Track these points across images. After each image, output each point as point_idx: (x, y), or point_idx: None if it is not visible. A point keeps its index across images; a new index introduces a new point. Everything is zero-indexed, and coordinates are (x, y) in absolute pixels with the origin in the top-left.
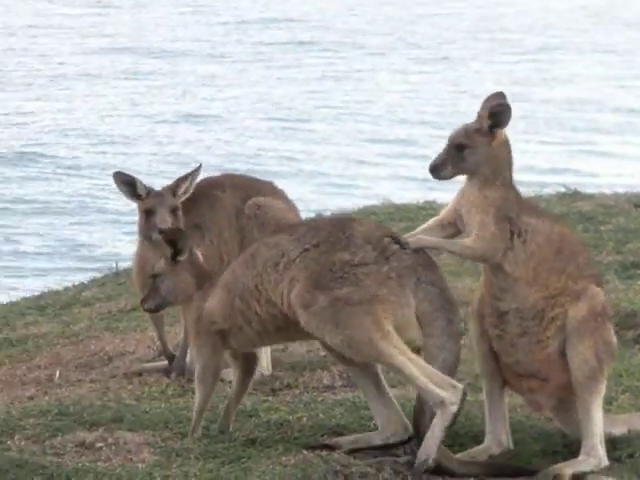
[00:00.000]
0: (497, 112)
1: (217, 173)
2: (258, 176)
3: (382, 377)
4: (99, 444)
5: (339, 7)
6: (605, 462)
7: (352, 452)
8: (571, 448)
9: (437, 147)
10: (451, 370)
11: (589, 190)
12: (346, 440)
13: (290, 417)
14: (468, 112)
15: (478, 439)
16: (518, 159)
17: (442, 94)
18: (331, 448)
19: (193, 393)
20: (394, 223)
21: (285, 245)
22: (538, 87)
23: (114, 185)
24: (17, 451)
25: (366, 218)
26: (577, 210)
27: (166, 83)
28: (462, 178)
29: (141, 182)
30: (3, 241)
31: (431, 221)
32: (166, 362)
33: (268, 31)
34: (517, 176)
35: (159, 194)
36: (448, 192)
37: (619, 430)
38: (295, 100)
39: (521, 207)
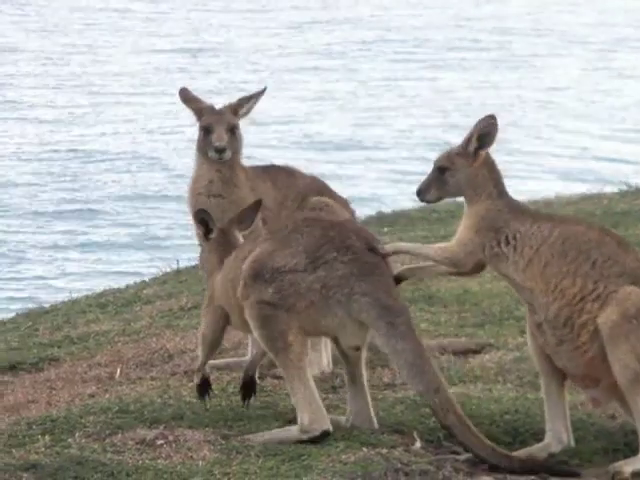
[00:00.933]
0: (486, 134)
1: None
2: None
3: (363, 371)
4: (159, 441)
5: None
6: None
7: None
8: (632, 446)
9: None
10: (421, 367)
11: None
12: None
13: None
14: None
15: (538, 437)
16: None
17: None
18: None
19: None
20: None
21: (261, 239)
22: None
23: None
24: (77, 449)
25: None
26: (639, 208)
27: None
28: None
29: (205, 102)
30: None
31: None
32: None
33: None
34: (585, 175)
35: (218, 112)
36: None
37: None
38: None
39: (513, 215)
